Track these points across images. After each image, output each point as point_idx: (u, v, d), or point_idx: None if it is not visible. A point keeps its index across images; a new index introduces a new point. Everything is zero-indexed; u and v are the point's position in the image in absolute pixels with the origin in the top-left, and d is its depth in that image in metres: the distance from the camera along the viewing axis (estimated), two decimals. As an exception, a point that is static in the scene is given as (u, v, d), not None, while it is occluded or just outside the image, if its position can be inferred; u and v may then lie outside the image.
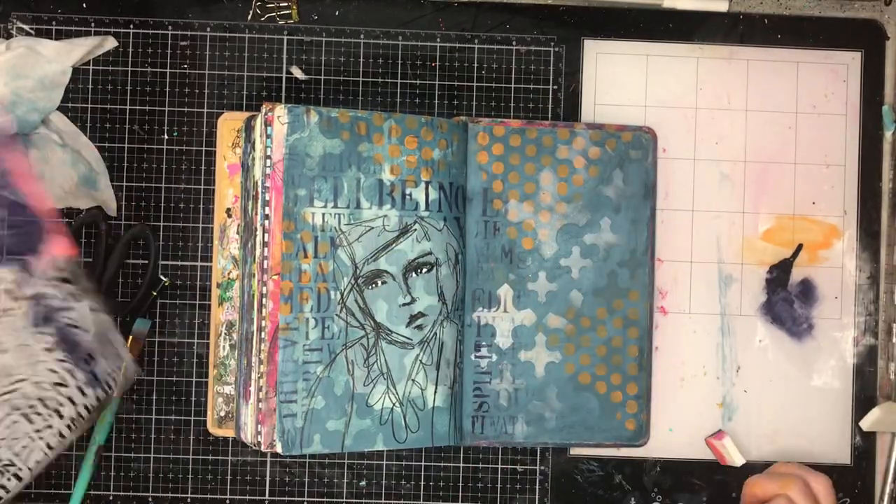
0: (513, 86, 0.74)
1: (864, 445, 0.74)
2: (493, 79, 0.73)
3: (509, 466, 0.73)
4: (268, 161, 0.64)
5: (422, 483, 0.73)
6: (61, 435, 0.65)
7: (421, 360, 0.67)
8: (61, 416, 0.64)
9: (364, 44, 0.73)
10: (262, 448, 0.64)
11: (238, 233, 0.71)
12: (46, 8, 0.72)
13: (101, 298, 0.66)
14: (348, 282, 0.66)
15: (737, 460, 0.72)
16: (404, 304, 0.67)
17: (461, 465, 0.73)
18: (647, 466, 0.73)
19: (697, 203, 0.74)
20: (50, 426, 0.64)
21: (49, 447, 0.65)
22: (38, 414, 0.64)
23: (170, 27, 0.72)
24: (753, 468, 0.73)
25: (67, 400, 0.64)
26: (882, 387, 0.74)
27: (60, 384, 0.64)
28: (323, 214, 0.65)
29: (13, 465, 0.64)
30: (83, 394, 0.65)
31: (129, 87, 0.72)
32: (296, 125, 0.64)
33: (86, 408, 0.66)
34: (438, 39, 0.73)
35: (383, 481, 0.72)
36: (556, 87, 0.74)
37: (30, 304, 0.62)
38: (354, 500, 0.72)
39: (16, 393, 0.63)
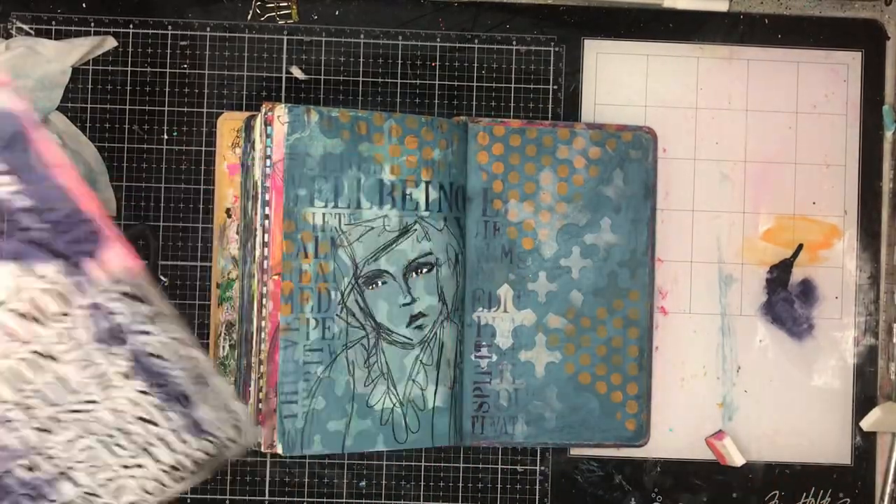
0: (513, 86, 0.73)
1: (865, 445, 0.74)
2: (493, 79, 0.73)
3: (509, 466, 0.73)
4: (268, 161, 0.64)
5: (422, 483, 0.73)
6: (162, 483, 0.60)
7: (421, 361, 0.67)
8: (156, 460, 0.60)
9: (364, 44, 0.73)
10: (263, 448, 0.64)
11: (238, 233, 0.71)
12: (46, 8, 0.72)
13: (187, 330, 0.60)
14: (349, 282, 0.66)
15: (737, 460, 0.72)
16: (405, 305, 0.67)
17: (461, 465, 0.73)
18: (648, 466, 0.73)
19: (698, 203, 0.74)
20: (140, 465, 0.60)
21: (146, 492, 0.60)
22: (121, 447, 0.59)
23: (170, 27, 0.72)
24: (753, 468, 0.73)
25: (160, 442, 0.59)
26: (882, 387, 0.74)
27: (148, 421, 0.59)
28: (323, 214, 0.65)
29: (98, 496, 0.60)
30: (182, 440, 0.60)
31: (128, 87, 0.72)
32: (296, 125, 0.64)
33: (191, 459, 0.60)
34: (438, 39, 0.73)
35: (383, 481, 0.72)
36: (556, 87, 0.74)
37: (88, 315, 0.57)
38: (354, 500, 0.72)
39: (87, 415, 0.58)
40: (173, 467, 0.60)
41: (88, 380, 0.58)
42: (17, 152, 0.53)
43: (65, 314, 0.56)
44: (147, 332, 0.57)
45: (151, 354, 0.58)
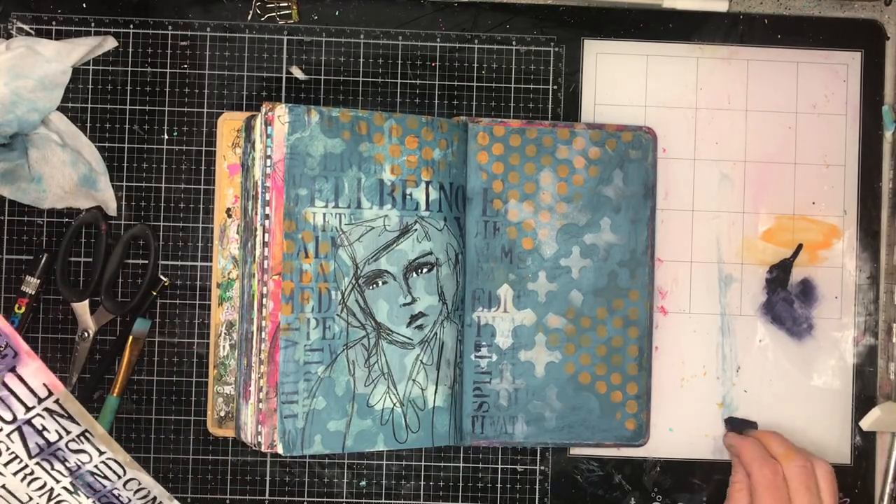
0: (513, 86, 0.74)
1: (864, 445, 0.74)
2: (493, 79, 0.73)
3: (509, 466, 0.73)
4: (268, 161, 0.64)
5: (422, 483, 0.73)
6: None
7: (421, 360, 0.67)
8: None
9: (364, 44, 0.73)
10: (263, 448, 0.64)
11: (238, 233, 0.71)
12: (46, 8, 0.72)
13: (123, 454, 0.59)
14: (349, 282, 0.66)
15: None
16: (405, 304, 0.67)
17: (461, 465, 0.73)
18: (647, 466, 0.73)
19: (697, 203, 0.74)
20: None
21: None
22: None
23: (170, 27, 0.72)
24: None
25: None
26: (882, 387, 0.74)
27: None
28: (324, 214, 0.65)
29: None
30: None
31: (129, 87, 0.72)
32: (297, 125, 0.64)
33: None
34: (438, 39, 0.73)
35: (383, 481, 0.72)
36: (556, 87, 0.74)
37: (18, 429, 0.57)
38: (354, 500, 0.72)
39: None
40: None
41: (35, 492, 0.58)
42: None
43: None
44: (83, 451, 0.58)
45: (93, 473, 0.59)
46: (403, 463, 0.72)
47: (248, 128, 0.67)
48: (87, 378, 0.71)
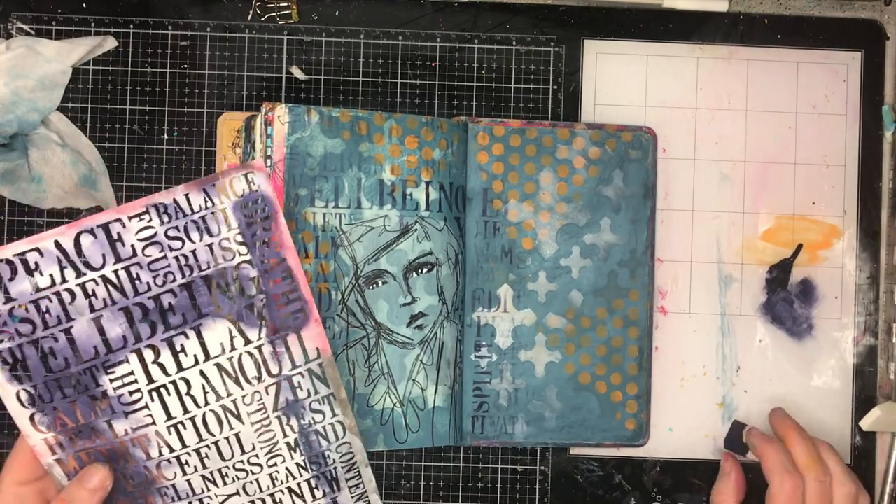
0: (513, 86, 0.73)
1: (864, 445, 0.74)
2: (493, 79, 0.73)
3: (509, 466, 0.73)
4: (268, 161, 0.64)
5: (422, 483, 0.73)
6: None
7: (421, 361, 0.67)
8: None
9: (364, 44, 0.73)
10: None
11: (238, 233, 0.71)
12: (46, 8, 0.72)
13: (352, 417, 0.63)
14: (349, 282, 0.66)
15: None
16: (405, 304, 0.67)
17: (461, 465, 0.73)
18: (648, 466, 0.73)
19: (697, 203, 0.74)
20: None
21: None
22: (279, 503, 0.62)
23: (170, 27, 0.72)
24: (753, 467, 0.73)
25: None
26: (882, 387, 0.74)
27: (296, 493, 0.62)
28: (324, 214, 0.65)
29: None
30: None
31: (129, 87, 0.72)
32: (297, 125, 0.64)
33: None
34: (438, 39, 0.73)
35: (383, 481, 0.72)
36: (556, 87, 0.74)
37: (277, 385, 0.60)
38: (354, 501, 0.72)
39: (249, 476, 0.61)
40: None
41: (260, 444, 0.61)
42: (263, 230, 0.59)
43: (259, 379, 0.59)
44: (320, 412, 0.62)
45: (317, 433, 0.62)
46: (403, 463, 0.72)
47: (248, 128, 0.67)
48: (87, 378, 0.71)
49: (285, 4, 0.73)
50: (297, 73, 0.73)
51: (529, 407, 0.70)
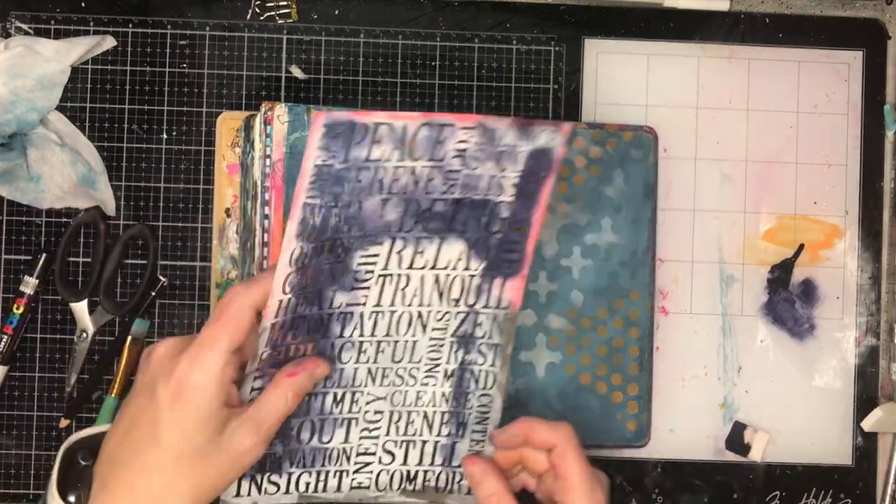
0: (513, 85, 0.73)
1: (866, 446, 0.73)
2: (493, 78, 0.73)
3: (510, 467, 0.73)
4: (267, 160, 0.64)
5: (422, 484, 0.72)
6: (389, 484, 0.64)
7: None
8: (404, 460, 0.64)
9: (364, 43, 0.73)
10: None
11: (237, 233, 0.70)
12: (45, 7, 0.72)
13: (507, 374, 0.65)
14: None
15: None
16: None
17: (461, 465, 0.72)
18: (648, 467, 0.73)
19: (698, 203, 0.74)
20: (393, 455, 0.64)
21: (376, 485, 0.64)
22: (396, 428, 0.63)
23: (169, 26, 0.72)
24: (754, 469, 0.73)
25: (420, 445, 0.64)
26: (883, 387, 0.74)
27: (428, 421, 0.64)
28: (324, 214, 0.65)
29: (349, 458, 0.63)
30: (432, 459, 0.64)
31: (127, 87, 0.72)
32: (296, 124, 0.64)
33: (423, 480, 0.65)
34: (438, 39, 0.73)
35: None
36: (556, 86, 0.73)
37: (466, 314, 0.63)
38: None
39: (401, 385, 0.63)
40: (408, 476, 0.64)
41: (427, 360, 0.63)
42: (535, 184, 0.61)
43: (457, 303, 0.62)
44: (484, 356, 0.63)
45: (472, 373, 0.63)
46: (403, 464, 0.72)
47: (248, 127, 0.67)
48: (85, 379, 0.71)
49: (285, 3, 0.73)
50: (297, 72, 0.73)
51: (530, 408, 0.70)
